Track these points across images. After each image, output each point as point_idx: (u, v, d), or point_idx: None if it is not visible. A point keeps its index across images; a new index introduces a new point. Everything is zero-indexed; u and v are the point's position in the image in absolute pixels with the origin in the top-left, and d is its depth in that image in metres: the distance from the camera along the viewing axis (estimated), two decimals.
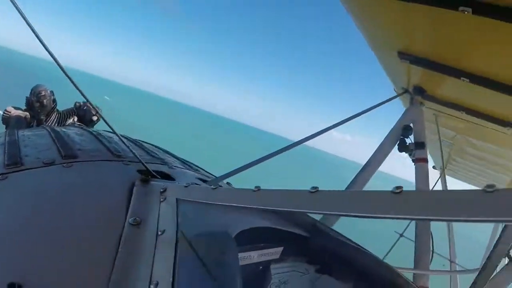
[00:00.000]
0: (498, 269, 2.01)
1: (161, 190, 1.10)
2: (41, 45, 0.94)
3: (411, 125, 2.62)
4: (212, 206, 1.02)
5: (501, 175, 4.46)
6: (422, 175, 2.38)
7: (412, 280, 2.06)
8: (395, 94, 2.78)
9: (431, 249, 2.34)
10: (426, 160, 2.41)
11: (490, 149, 3.29)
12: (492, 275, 1.95)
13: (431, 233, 2.29)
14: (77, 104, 3.63)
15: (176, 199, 1.03)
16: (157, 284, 0.78)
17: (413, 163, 2.41)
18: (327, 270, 1.32)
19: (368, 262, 1.34)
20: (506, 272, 2.00)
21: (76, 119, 3.62)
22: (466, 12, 1.26)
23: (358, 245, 1.40)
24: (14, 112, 3.32)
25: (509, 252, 2.00)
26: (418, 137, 2.55)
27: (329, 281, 1.31)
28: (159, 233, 0.92)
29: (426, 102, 2.68)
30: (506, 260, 2.01)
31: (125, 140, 1.29)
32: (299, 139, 1.91)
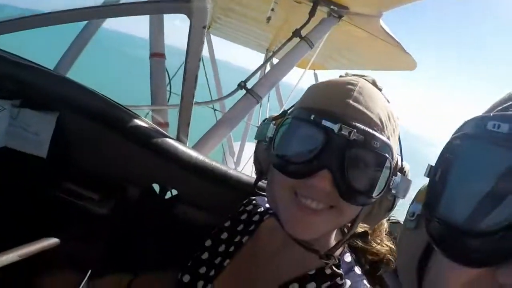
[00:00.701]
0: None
1: None
2: None
3: None
4: None
5: (266, 33, 4.83)
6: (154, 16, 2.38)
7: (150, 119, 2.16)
8: None
9: (167, 85, 2.46)
10: None
11: (252, 4, 3.39)
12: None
13: (167, 70, 2.37)
14: None
15: None
16: None
17: None
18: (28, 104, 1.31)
19: (78, 94, 1.36)
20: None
21: None
22: None
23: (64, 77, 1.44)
24: None
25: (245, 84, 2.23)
26: None
27: (31, 114, 1.31)
28: None
29: None
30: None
31: None
32: None
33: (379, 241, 0.93)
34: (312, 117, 0.71)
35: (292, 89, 3.90)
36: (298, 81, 3.82)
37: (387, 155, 0.72)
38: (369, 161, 0.72)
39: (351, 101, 0.73)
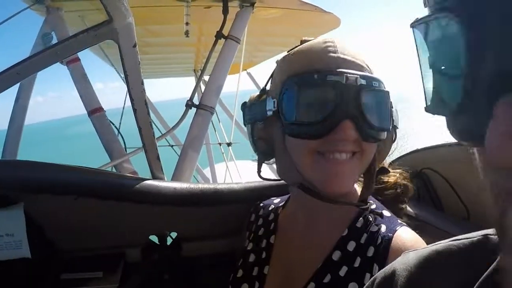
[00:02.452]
0: None
1: None
2: None
3: (53, 34, 2.46)
4: None
5: (187, 54, 4.79)
6: (78, 75, 2.31)
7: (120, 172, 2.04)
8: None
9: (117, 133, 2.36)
10: (78, 59, 2.33)
11: (170, 29, 3.37)
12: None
13: (111, 121, 2.29)
14: None
15: None
16: None
17: (66, 66, 2.30)
18: None
19: (38, 173, 1.21)
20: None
21: None
22: None
23: None
24: None
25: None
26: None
27: None
28: None
29: (63, 4, 2.50)
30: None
31: None
32: None
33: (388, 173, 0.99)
34: (316, 76, 0.74)
35: (236, 94, 3.90)
36: (237, 85, 3.82)
37: (386, 89, 0.79)
38: (377, 99, 0.78)
39: (339, 55, 0.77)
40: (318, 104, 0.75)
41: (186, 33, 2.59)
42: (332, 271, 0.80)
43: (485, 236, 0.42)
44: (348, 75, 0.73)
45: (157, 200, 1.25)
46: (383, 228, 0.80)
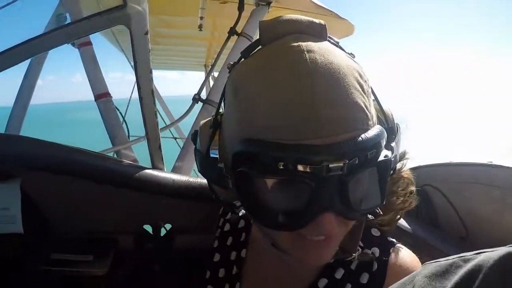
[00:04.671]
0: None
1: None
2: None
3: (67, 15, 2.47)
4: None
5: (199, 48, 4.78)
6: (88, 58, 2.31)
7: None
8: None
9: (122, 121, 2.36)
10: (90, 43, 2.33)
11: (184, 21, 3.33)
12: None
13: (117, 108, 2.29)
14: None
15: None
16: None
17: (77, 48, 2.30)
18: None
19: (37, 150, 1.22)
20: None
21: None
22: None
23: None
24: None
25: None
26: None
27: None
28: None
29: None
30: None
31: None
32: None
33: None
34: (281, 166, 0.51)
35: None
36: None
37: (386, 155, 0.57)
38: (372, 175, 0.58)
39: (316, 112, 0.51)
40: (289, 197, 0.55)
41: (200, 27, 2.59)
42: None
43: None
44: (330, 165, 0.50)
45: (155, 190, 1.24)
46: (376, 251, 0.74)
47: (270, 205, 0.56)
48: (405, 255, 0.74)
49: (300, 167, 0.50)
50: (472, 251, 0.46)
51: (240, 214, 0.91)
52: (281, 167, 0.50)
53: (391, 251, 0.74)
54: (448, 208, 1.36)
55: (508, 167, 1.26)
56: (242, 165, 0.54)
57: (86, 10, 2.48)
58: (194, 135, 0.72)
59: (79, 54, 2.31)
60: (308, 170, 0.50)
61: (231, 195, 0.65)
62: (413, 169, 1.45)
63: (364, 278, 0.72)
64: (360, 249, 0.71)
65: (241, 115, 0.57)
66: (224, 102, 0.66)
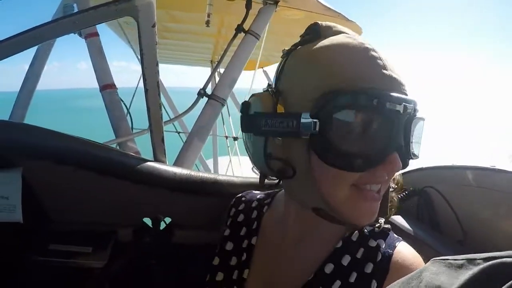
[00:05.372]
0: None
1: None
2: None
3: (74, 6, 2.46)
4: None
5: (206, 44, 4.77)
6: (95, 49, 2.30)
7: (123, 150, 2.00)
8: None
9: (127, 113, 2.35)
10: (97, 34, 2.32)
11: (191, 17, 3.33)
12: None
13: (121, 99, 2.27)
14: None
15: None
16: None
17: (84, 39, 2.29)
18: None
19: (40, 138, 1.21)
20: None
21: None
22: None
23: None
24: None
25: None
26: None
27: None
28: None
29: None
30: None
31: None
32: None
33: None
34: (375, 102, 0.62)
35: (249, 90, 3.88)
36: (251, 82, 3.81)
37: (423, 116, 0.73)
38: (420, 129, 0.72)
39: (390, 73, 0.67)
40: (372, 135, 0.65)
41: (207, 23, 2.59)
42: (324, 284, 0.76)
43: None
44: (406, 104, 0.64)
45: (156, 182, 1.24)
46: (382, 244, 0.76)
47: (354, 145, 0.64)
48: (409, 251, 0.76)
49: (388, 105, 0.63)
50: (470, 253, 0.45)
51: (254, 205, 0.98)
52: (375, 103, 0.62)
53: (396, 244, 0.76)
54: (448, 210, 1.36)
55: (510, 172, 1.25)
56: (351, 108, 0.64)
57: (93, 1, 2.49)
58: (245, 104, 0.78)
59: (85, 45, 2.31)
60: (393, 107, 0.63)
61: (285, 163, 0.72)
62: (415, 171, 1.45)
63: (369, 268, 0.74)
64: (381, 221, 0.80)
65: (326, 73, 0.67)
66: (280, 76, 0.75)
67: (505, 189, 1.23)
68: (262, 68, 5.75)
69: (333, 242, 0.80)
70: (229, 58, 2.30)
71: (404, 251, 0.76)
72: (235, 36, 2.34)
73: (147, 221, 1.31)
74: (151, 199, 1.27)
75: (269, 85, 0.77)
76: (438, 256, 0.49)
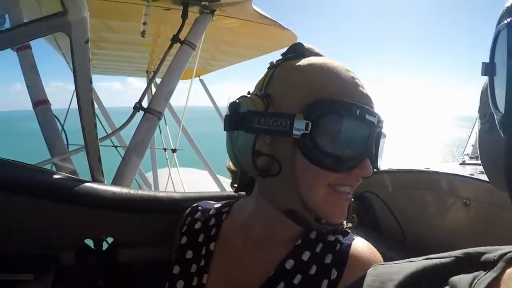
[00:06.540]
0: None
1: None
2: None
3: (6, 16, 2.32)
4: None
5: (142, 54, 4.68)
6: (27, 63, 2.16)
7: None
8: None
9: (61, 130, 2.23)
10: (29, 47, 2.19)
11: (127, 26, 3.24)
12: None
13: (55, 116, 2.15)
14: None
15: None
16: None
17: (16, 52, 2.15)
18: None
19: None
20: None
21: None
22: None
23: None
24: None
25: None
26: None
27: None
28: None
29: None
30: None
31: None
32: None
33: None
34: (358, 112, 0.75)
35: (186, 101, 3.85)
36: (189, 91, 3.78)
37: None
38: (383, 143, 0.84)
39: (365, 91, 0.81)
40: (353, 140, 0.76)
41: (143, 33, 2.53)
42: (285, 279, 0.81)
43: (467, 253, 0.44)
44: (379, 118, 0.78)
45: (95, 203, 1.21)
46: (341, 237, 0.84)
47: (339, 147, 0.75)
48: (366, 242, 0.84)
49: (367, 116, 0.75)
50: (410, 253, 0.48)
51: (212, 213, 1.02)
52: (358, 113, 0.74)
53: (354, 237, 0.85)
54: (387, 213, 1.42)
55: (444, 173, 1.34)
56: (341, 114, 0.75)
57: (25, 12, 2.35)
58: (234, 103, 0.83)
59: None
60: (370, 119, 0.76)
61: (269, 161, 0.78)
62: None
63: (328, 259, 0.81)
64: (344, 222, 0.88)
65: (317, 84, 0.78)
66: (269, 83, 0.83)
67: (440, 189, 1.31)
68: (199, 76, 5.72)
69: (293, 241, 0.86)
70: (166, 68, 2.27)
71: (361, 242, 0.84)
72: (171, 46, 2.31)
73: (89, 242, 1.27)
74: (91, 220, 1.23)
75: (248, 92, 0.87)
76: (383, 258, 0.52)
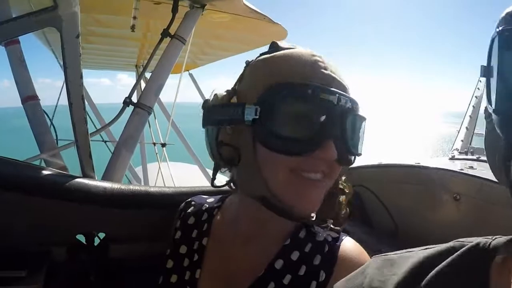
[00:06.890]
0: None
1: None
2: None
3: None
4: None
5: (131, 48, 4.65)
6: (15, 58, 2.14)
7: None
8: None
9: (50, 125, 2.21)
10: (18, 42, 2.16)
11: (117, 20, 3.22)
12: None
13: (45, 112, 2.13)
14: None
15: None
16: None
17: (4, 47, 2.12)
18: None
19: None
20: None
21: None
22: None
23: None
24: None
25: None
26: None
27: None
28: None
29: None
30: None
31: None
32: None
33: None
34: (310, 91, 0.72)
35: (176, 94, 3.83)
36: (178, 85, 3.76)
37: (364, 115, 0.81)
38: (357, 125, 0.79)
39: (329, 72, 0.77)
40: (307, 121, 0.73)
41: (132, 27, 2.51)
42: (275, 279, 0.81)
43: (461, 242, 0.47)
44: (340, 96, 0.73)
45: (86, 199, 1.21)
46: (329, 238, 0.84)
47: (290, 130, 0.72)
48: (355, 244, 0.84)
49: (322, 95, 0.71)
50: (403, 245, 0.50)
51: (204, 208, 1.02)
52: (309, 92, 0.71)
53: (342, 238, 0.84)
54: (379, 206, 1.44)
55: (433, 168, 1.36)
56: (287, 95, 0.73)
57: (13, 6, 2.31)
58: (206, 101, 0.86)
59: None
60: (326, 97, 0.72)
61: (234, 150, 0.80)
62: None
63: (317, 260, 0.80)
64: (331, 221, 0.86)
65: (274, 72, 0.77)
66: (239, 81, 0.84)
67: (429, 183, 1.33)
68: (188, 71, 5.70)
69: (282, 240, 0.85)
70: (156, 62, 2.25)
71: (350, 243, 0.83)
72: (161, 40, 2.29)
73: (81, 238, 1.27)
74: (83, 215, 1.23)
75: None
76: (375, 250, 0.53)
